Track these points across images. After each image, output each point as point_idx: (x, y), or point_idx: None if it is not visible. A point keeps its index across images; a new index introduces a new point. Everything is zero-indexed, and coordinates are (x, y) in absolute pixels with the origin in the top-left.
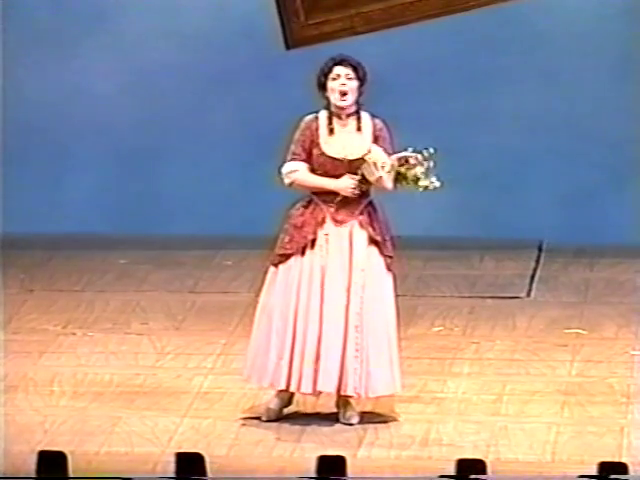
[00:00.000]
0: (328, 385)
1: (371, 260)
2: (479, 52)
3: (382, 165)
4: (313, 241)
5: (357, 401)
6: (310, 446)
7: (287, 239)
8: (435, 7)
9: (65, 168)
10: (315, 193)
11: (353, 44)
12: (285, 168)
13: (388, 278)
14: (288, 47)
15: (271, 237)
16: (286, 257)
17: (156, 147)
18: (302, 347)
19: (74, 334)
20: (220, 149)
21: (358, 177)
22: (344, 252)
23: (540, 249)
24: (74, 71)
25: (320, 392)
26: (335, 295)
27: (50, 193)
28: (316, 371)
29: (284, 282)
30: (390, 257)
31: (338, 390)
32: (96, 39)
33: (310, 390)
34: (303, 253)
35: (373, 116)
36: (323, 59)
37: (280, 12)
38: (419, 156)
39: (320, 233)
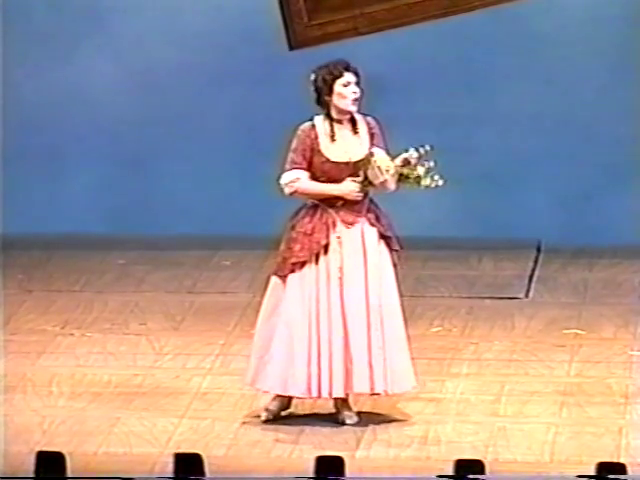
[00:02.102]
0: (363, 386)
1: (382, 256)
2: (478, 52)
3: (387, 169)
4: (326, 246)
5: (356, 401)
6: (308, 446)
7: (298, 247)
8: (440, 7)
9: (64, 168)
10: (319, 199)
11: (352, 44)
12: (286, 177)
13: (393, 273)
14: (291, 48)
15: (269, 238)
16: (300, 265)
17: (154, 147)
18: (329, 352)
19: (72, 334)
20: (219, 149)
21: (360, 179)
22: (358, 251)
23: (539, 249)
24: (72, 71)
25: (348, 394)
26: (355, 295)
27: (48, 193)
28: (347, 373)
29: (300, 290)
30: (396, 251)
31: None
32: (95, 39)
33: (342, 393)
34: (317, 259)
35: (364, 115)
36: (322, 60)
37: (283, 12)
38: (421, 150)
39: (332, 237)
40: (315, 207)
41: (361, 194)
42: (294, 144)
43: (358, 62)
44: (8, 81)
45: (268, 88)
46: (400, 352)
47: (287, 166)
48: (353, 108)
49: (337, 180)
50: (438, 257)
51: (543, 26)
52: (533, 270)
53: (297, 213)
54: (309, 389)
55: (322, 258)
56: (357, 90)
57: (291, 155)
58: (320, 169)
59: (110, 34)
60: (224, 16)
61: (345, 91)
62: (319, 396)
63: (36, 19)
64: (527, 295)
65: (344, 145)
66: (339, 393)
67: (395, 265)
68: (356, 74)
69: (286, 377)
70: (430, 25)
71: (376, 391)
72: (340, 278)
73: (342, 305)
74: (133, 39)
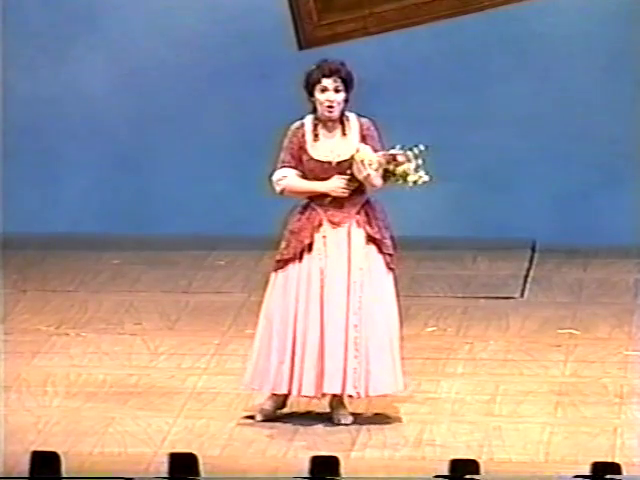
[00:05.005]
0: (334, 386)
1: (370, 259)
2: (473, 53)
3: (369, 163)
4: (310, 245)
5: (351, 401)
6: (303, 446)
7: (284, 245)
8: (449, 7)
9: (58, 168)
10: (310, 197)
11: (349, 45)
12: (275, 176)
13: (388, 276)
14: (301, 47)
15: (264, 237)
16: (284, 262)
17: (149, 147)
18: (302, 350)
19: (67, 334)
20: (214, 149)
21: (347, 177)
22: (342, 252)
23: (533, 249)
24: (68, 71)
25: (324, 394)
26: (335, 296)
27: (43, 193)
28: (321, 373)
29: (283, 287)
30: (390, 255)
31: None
32: (90, 39)
33: (313, 393)
34: (301, 257)
35: (359, 116)
36: (317, 60)
37: (293, 12)
38: (409, 153)
39: (317, 236)
40: (307, 206)
41: (347, 191)
42: (284, 143)
43: (353, 62)
44: (3, 81)
45: (263, 87)
46: (382, 355)
47: (277, 165)
48: (329, 115)
49: (323, 179)
50: (433, 257)
51: (538, 26)
52: (528, 270)
53: (293, 211)
54: (280, 385)
55: (306, 257)
56: (334, 97)
57: (281, 154)
58: (307, 167)
59: (105, 33)
60: (219, 16)
61: (321, 97)
62: (289, 393)
63: (31, 19)
64: (522, 295)
65: (330, 145)
66: (309, 392)
67: (391, 268)
68: (342, 79)
69: (261, 372)
70: (424, 25)
71: (347, 392)
72: (322, 279)
73: (321, 305)
74: (128, 38)
